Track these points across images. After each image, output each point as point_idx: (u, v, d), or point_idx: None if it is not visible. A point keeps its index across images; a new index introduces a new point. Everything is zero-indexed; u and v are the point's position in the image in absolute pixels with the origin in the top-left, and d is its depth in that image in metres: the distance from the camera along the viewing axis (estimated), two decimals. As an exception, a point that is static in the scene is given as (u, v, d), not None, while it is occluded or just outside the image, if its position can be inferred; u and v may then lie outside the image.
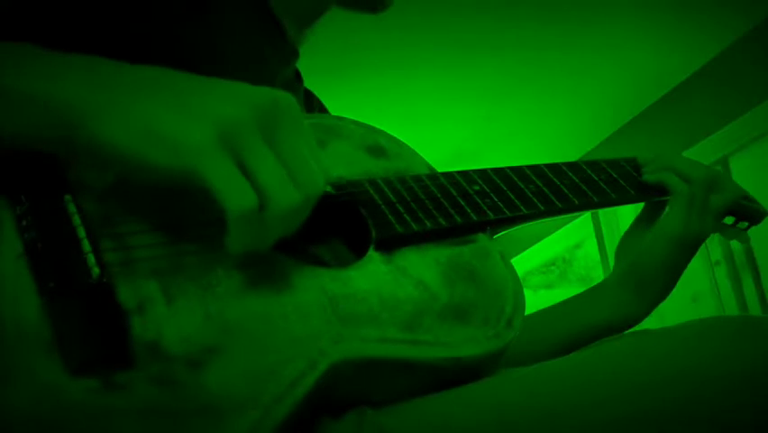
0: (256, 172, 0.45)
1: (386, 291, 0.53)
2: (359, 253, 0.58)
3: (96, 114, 0.45)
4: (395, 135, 0.70)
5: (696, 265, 2.86)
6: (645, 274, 0.76)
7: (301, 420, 0.45)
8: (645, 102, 3.23)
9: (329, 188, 0.59)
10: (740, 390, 0.42)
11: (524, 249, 3.97)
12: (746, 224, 0.83)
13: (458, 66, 2.84)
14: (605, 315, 0.76)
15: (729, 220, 0.82)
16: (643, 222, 0.81)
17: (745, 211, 0.81)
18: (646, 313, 0.77)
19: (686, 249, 0.75)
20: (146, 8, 0.59)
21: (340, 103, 2.33)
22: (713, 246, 2.82)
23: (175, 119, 0.45)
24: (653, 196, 0.77)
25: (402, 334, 0.51)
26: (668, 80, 3.08)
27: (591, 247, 3.59)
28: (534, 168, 0.72)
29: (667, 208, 0.77)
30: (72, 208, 0.48)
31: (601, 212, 3.44)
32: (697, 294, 2.83)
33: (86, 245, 0.46)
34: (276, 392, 0.44)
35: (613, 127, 3.41)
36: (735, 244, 2.75)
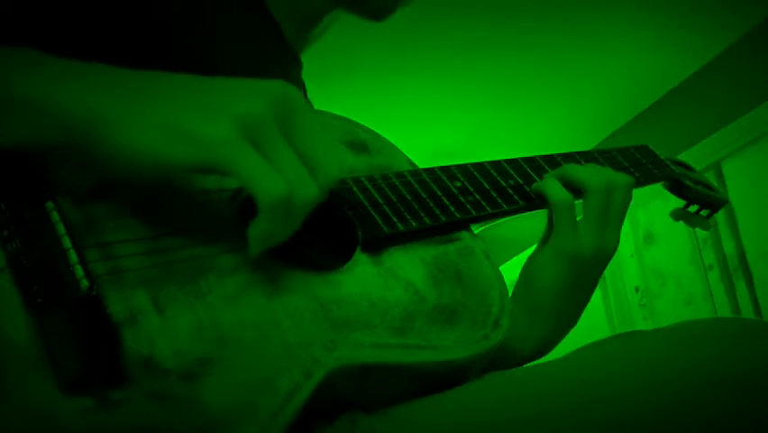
0: (278, 166, 0.45)
1: (375, 294, 0.53)
2: (343, 253, 0.57)
3: (116, 118, 0.44)
4: (386, 136, 0.70)
5: (689, 270, 2.87)
6: (536, 295, 0.69)
7: (294, 425, 0.45)
8: (638, 107, 3.24)
9: None
10: (734, 391, 0.41)
11: (514, 255, 3.97)
12: (708, 211, 0.86)
13: (453, 67, 2.84)
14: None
15: (693, 208, 0.85)
16: (546, 231, 0.71)
17: (708, 199, 0.84)
18: (546, 339, 0.69)
19: (582, 268, 0.68)
20: (144, 11, 0.59)
21: (330, 106, 2.33)
22: (706, 251, 2.82)
23: (196, 117, 0.44)
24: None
25: (393, 338, 0.50)
26: (660, 85, 3.09)
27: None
28: (512, 162, 0.72)
29: (554, 226, 0.69)
30: (55, 216, 0.46)
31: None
32: (690, 299, 2.83)
33: (73, 256, 0.45)
34: (273, 405, 0.43)
35: (606, 132, 3.41)
36: (728, 248, 2.76)
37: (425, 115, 3.12)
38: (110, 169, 0.46)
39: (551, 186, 0.69)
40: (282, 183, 0.44)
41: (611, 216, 0.68)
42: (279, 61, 0.72)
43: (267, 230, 0.46)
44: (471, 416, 0.46)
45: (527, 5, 2.52)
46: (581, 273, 0.68)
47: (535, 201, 0.70)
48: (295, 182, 0.45)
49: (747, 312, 2.68)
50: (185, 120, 0.44)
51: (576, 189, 0.69)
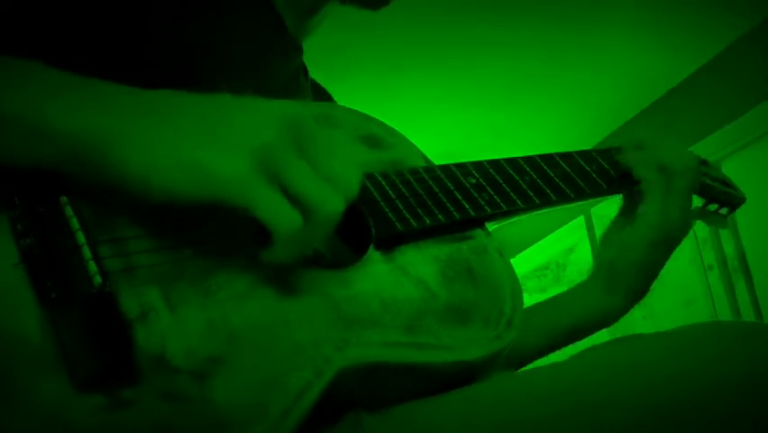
0: (298, 188, 0.46)
1: (387, 292, 0.53)
2: (356, 250, 0.57)
3: (127, 150, 0.44)
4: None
5: (689, 270, 2.87)
6: (618, 272, 0.72)
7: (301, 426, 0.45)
8: (639, 106, 3.24)
9: None
10: (734, 395, 0.42)
11: (518, 252, 3.97)
12: (727, 210, 0.85)
13: (455, 66, 2.84)
14: (577, 311, 0.74)
15: (712, 207, 0.84)
16: (623, 215, 0.77)
17: (726, 197, 0.84)
18: (621, 309, 0.73)
19: (664, 246, 0.72)
20: (146, 3, 0.59)
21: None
22: (706, 251, 2.82)
23: (213, 152, 0.45)
24: (629, 187, 0.76)
25: (404, 337, 0.50)
26: (661, 84, 3.09)
27: (585, 251, 3.60)
28: (528, 159, 0.71)
29: (643, 204, 0.73)
30: (69, 211, 0.46)
31: (594, 216, 3.45)
32: (690, 299, 2.83)
33: (87, 252, 0.44)
34: (283, 405, 0.43)
35: (606, 131, 3.41)
36: (728, 248, 2.76)
37: (428, 113, 3.12)
38: (120, 196, 0.46)
39: (642, 167, 0.73)
40: (297, 216, 0.46)
41: (691, 194, 0.73)
42: (282, 51, 0.72)
43: (281, 257, 0.47)
44: (474, 417, 0.46)
45: (530, 5, 2.52)
46: (662, 251, 0.72)
47: (551, 198, 0.69)
48: (318, 199, 0.46)
49: (747, 312, 2.67)
50: (201, 155, 0.45)
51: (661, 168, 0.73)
